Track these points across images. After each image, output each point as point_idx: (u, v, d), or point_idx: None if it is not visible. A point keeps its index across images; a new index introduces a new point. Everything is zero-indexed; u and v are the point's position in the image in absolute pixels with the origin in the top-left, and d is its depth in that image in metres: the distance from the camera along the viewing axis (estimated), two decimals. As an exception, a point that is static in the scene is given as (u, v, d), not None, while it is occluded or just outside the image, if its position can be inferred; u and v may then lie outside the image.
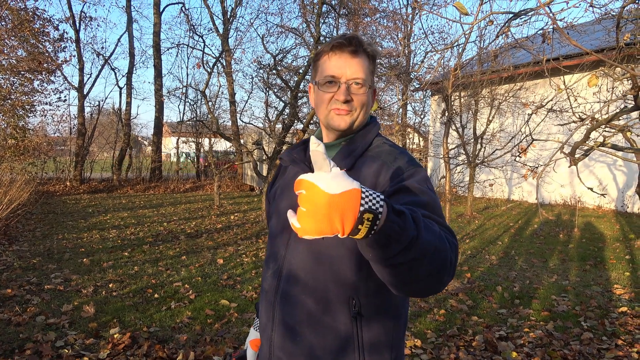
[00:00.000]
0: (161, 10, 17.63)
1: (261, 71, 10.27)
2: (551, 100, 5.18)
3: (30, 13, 11.14)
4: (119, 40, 24.33)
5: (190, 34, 21.03)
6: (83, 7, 23.77)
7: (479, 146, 9.58)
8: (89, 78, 17.22)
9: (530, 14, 2.47)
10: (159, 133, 17.79)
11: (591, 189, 3.04)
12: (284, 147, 8.62)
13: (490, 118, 9.69)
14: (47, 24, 11.92)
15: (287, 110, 9.12)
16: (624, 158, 2.59)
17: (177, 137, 19.98)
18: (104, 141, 20.28)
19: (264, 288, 1.27)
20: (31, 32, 10.63)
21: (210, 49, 21.97)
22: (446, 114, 7.32)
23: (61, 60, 13.04)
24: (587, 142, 2.42)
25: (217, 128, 10.79)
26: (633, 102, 2.09)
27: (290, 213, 0.78)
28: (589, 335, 3.54)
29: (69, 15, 15.84)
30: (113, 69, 18.52)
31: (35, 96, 12.07)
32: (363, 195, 0.73)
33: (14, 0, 10.24)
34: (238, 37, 20.98)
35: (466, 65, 8.93)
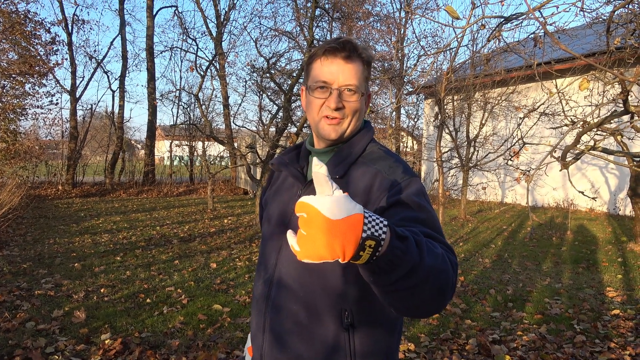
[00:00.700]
0: (154, 14, 17.60)
1: (255, 74, 10.27)
2: (543, 103, 5.21)
3: (22, 16, 11.07)
4: (111, 43, 24.30)
5: (184, 37, 21.02)
6: (75, 10, 23.75)
7: (472, 149, 9.62)
8: (81, 81, 17.05)
9: (521, 18, 2.48)
10: (152, 136, 17.71)
11: (582, 193, 3.05)
12: (278, 151, 8.61)
13: (483, 121, 9.73)
14: (38, 26, 11.85)
15: (280, 114, 9.11)
16: (615, 162, 2.60)
17: (170, 141, 19.91)
18: (96, 145, 20.16)
19: (255, 296, 1.26)
20: (22, 35, 10.57)
21: (204, 52, 21.97)
22: (439, 118, 7.34)
23: (53, 64, 12.98)
24: (577, 145, 2.43)
25: (211, 131, 10.75)
26: (623, 106, 2.10)
27: (290, 234, 0.77)
28: (581, 338, 3.55)
29: (61, 18, 15.76)
30: (106, 72, 18.42)
31: (26, 99, 12.00)
32: (366, 221, 0.71)
33: (5, 3, 10.18)
34: (231, 40, 21.01)
35: (459, 69, 8.97)
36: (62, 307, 4.08)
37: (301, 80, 8.73)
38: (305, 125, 8.63)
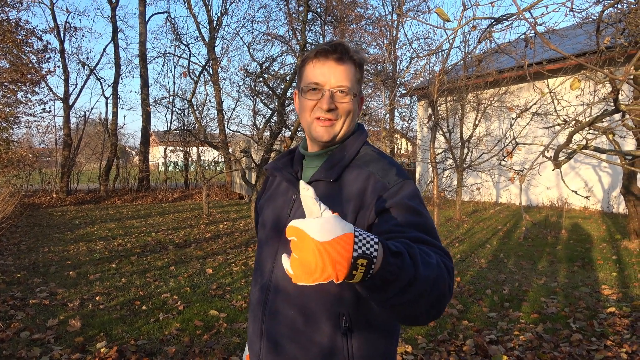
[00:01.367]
0: (147, 20, 17.58)
1: (248, 79, 10.26)
2: (535, 103, 5.24)
3: (13, 24, 11.02)
4: (104, 50, 24.24)
5: (176, 43, 20.98)
6: (67, 17, 23.68)
7: (466, 150, 9.65)
8: (74, 88, 16.97)
9: (511, 19, 2.50)
10: (146, 143, 17.66)
11: (575, 192, 3.07)
12: (272, 155, 8.61)
13: (477, 122, 9.78)
14: (30, 34, 11.79)
15: (274, 118, 9.12)
16: (607, 161, 2.62)
17: (164, 147, 19.85)
18: (90, 152, 20.08)
19: (252, 302, 1.25)
20: (14, 43, 10.51)
21: (197, 58, 21.88)
22: (432, 119, 7.36)
23: (45, 71, 12.91)
24: (570, 145, 2.45)
25: (205, 137, 10.74)
26: (613, 105, 2.12)
27: (284, 258, 0.77)
28: (578, 337, 3.56)
29: (53, 25, 15.69)
30: (99, 79, 18.33)
31: (19, 107, 11.93)
32: (356, 240, 0.71)
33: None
34: (224, 45, 21.00)
35: (451, 71, 9.01)
36: (57, 316, 4.05)
37: (295, 84, 8.74)
38: (299, 129, 8.64)
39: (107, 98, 18.12)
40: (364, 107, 11.13)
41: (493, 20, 2.58)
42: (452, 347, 3.43)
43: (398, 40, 16.45)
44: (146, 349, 3.40)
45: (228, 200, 15.98)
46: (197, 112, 10.50)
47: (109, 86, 17.95)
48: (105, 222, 10.18)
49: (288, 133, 9.25)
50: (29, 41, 11.82)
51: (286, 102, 8.96)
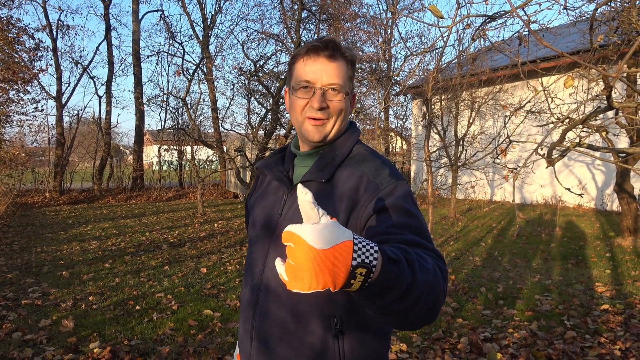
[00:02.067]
0: (140, 18, 17.46)
1: (242, 77, 10.24)
2: (529, 101, 5.26)
3: (5, 22, 10.93)
4: (97, 48, 24.08)
5: (170, 42, 20.90)
6: (60, 15, 23.49)
7: (460, 148, 9.67)
8: (67, 87, 16.83)
9: (505, 17, 2.49)
10: (140, 141, 17.57)
11: (569, 190, 3.07)
12: (267, 154, 8.59)
13: (471, 120, 9.80)
14: (22, 33, 11.69)
15: (269, 116, 9.10)
16: (600, 158, 2.62)
17: (158, 146, 19.77)
18: (84, 151, 19.94)
19: (243, 302, 1.24)
20: (5, 41, 10.42)
21: (191, 56, 21.87)
22: (427, 118, 7.37)
23: (37, 70, 12.80)
24: (563, 142, 2.45)
25: (199, 135, 10.70)
26: (607, 102, 2.12)
27: (278, 262, 0.74)
28: (572, 334, 3.57)
29: (46, 23, 15.57)
30: (92, 78, 18.22)
31: (10, 106, 11.83)
32: (355, 248, 0.69)
33: (-13, 10, 10.05)
34: (218, 43, 20.93)
35: (445, 69, 9.01)
36: (49, 317, 4.02)
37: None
38: (293, 127, 8.63)
39: (100, 97, 18.01)
40: (358, 106, 11.12)
41: (487, 18, 2.58)
42: (447, 345, 3.44)
43: (392, 39, 16.45)
44: (140, 349, 3.38)
45: (222, 199, 15.93)
46: (191, 110, 10.46)
47: (102, 85, 17.89)
48: (99, 222, 10.12)
49: (282, 131, 9.24)
50: (21, 39, 11.74)
51: (280, 100, 8.94)
